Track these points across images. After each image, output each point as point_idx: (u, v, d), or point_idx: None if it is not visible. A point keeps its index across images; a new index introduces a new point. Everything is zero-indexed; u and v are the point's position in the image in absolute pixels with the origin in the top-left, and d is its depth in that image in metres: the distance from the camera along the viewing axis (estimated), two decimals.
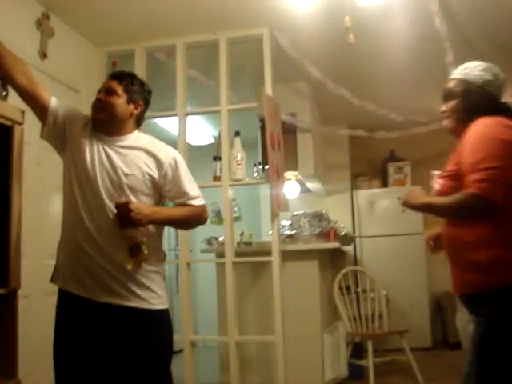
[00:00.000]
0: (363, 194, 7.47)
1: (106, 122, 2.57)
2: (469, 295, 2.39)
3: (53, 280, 2.56)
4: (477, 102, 2.43)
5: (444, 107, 2.57)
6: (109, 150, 2.54)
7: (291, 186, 5.83)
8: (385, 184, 7.66)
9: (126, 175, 2.49)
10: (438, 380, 5.33)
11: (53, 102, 2.59)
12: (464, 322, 6.92)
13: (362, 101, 5.49)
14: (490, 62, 4.59)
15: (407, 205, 2.51)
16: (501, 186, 2.18)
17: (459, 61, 4.60)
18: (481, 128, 2.31)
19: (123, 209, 2.35)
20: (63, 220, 2.57)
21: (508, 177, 2.20)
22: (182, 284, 4.58)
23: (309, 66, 4.97)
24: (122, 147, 2.58)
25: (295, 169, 5.87)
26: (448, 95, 2.55)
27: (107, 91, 2.60)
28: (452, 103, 2.52)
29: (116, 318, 2.43)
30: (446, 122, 2.58)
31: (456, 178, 2.33)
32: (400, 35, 4.76)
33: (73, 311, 2.46)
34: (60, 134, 2.60)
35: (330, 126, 6.67)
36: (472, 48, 5.09)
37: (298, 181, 6.24)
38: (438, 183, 2.46)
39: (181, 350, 4.55)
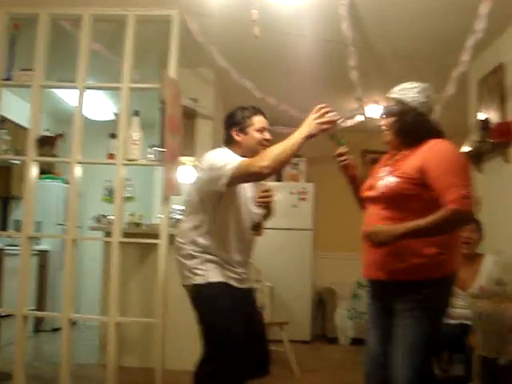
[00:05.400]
0: None
1: None
2: (407, 281, 2.64)
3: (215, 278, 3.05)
4: (410, 123, 2.73)
5: (382, 122, 2.83)
6: None
7: (187, 172, 5.81)
8: (279, 178, 7.77)
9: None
10: (313, 371, 5.53)
11: None
12: (343, 318, 7.19)
13: (264, 94, 5.55)
14: (390, 68, 4.79)
15: (382, 244, 2.61)
16: (473, 201, 2.51)
17: (361, 66, 4.81)
18: (447, 148, 2.64)
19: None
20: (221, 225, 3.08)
21: None
22: (65, 261, 4.47)
23: (215, 53, 4.98)
24: None
25: (192, 154, 5.87)
26: (386, 112, 2.81)
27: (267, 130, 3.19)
28: (390, 120, 2.79)
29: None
30: (383, 135, 2.85)
31: (416, 184, 2.61)
32: (307, 35, 4.87)
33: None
34: None
35: None
36: (374, 55, 5.27)
37: (196, 167, 6.22)
38: (388, 180, 2.70)
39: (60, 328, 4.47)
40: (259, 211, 3.21)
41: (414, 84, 2.79)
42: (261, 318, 3.39)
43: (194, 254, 3.06)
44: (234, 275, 3.11)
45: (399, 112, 2.75)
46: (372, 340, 2.87)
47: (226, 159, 2.93)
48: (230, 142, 3.18)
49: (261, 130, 3.14)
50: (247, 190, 3.17)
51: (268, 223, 3.41)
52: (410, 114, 2.73)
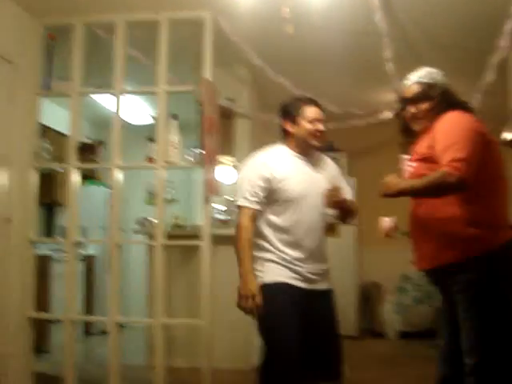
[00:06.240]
0: None
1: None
2: (444, 265, 2.61)
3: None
4: (452, 101, 2.70)
5: (414, 109, 2.78)
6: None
7: (227, 171, 5.83)
8: None
9: None
10: (361, 367, 5.46)
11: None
12: (390, 312, 7.12)
13: (302, 90, 5.52)
14: (428, 61, 4.72)
15: (387, 195, 2.63)
16: (471, 167, 2.42)
17: (397, 57, 4.73)
18: (454, 118, 2.60)
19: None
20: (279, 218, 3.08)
21: (476, 161, 2.45)
22: (110, 265, 4.53)
23: (250, 52, 4.97)
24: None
25: (231, 154, 5.87)
26: (420, 98, 2.75)
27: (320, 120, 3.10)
28: (425, 105, 2.74)
29: None
30: (417, 122, 2.80)
31: (430, 161, 2.56)
32: (341, 28, 4.83)
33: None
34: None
35: (268, 114, 6.69)
36: (410, 45, 5.19)
37: (235, 166, 6.23)
38: (410, 166, 2.71)
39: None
40: (330, 211, 3.10)
41: (433, 69, 2.81)
42: (331, 321, 3.15)
43: (257, 253, 3.05)
44: (295, 275, 3.03)
45: (441, 94, 2.73)
46: (445, 339, 2.80)
47: (243, 187, 3.08)
48: (284, 134, 3.17)
49: (312, 121, 3.07)
50: (316, 191, 3.08)
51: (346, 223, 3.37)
52: (450, 94, 2.74)
